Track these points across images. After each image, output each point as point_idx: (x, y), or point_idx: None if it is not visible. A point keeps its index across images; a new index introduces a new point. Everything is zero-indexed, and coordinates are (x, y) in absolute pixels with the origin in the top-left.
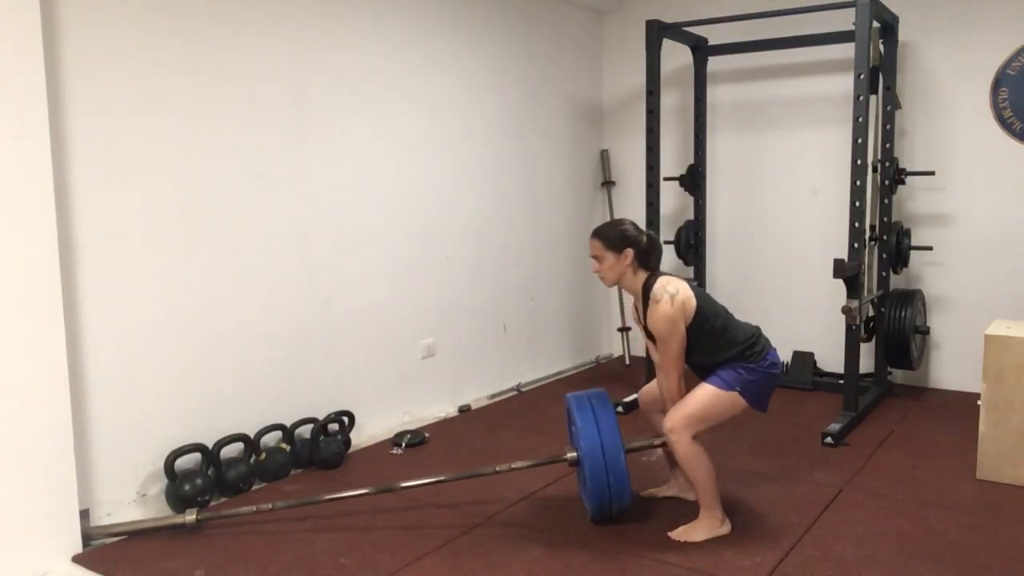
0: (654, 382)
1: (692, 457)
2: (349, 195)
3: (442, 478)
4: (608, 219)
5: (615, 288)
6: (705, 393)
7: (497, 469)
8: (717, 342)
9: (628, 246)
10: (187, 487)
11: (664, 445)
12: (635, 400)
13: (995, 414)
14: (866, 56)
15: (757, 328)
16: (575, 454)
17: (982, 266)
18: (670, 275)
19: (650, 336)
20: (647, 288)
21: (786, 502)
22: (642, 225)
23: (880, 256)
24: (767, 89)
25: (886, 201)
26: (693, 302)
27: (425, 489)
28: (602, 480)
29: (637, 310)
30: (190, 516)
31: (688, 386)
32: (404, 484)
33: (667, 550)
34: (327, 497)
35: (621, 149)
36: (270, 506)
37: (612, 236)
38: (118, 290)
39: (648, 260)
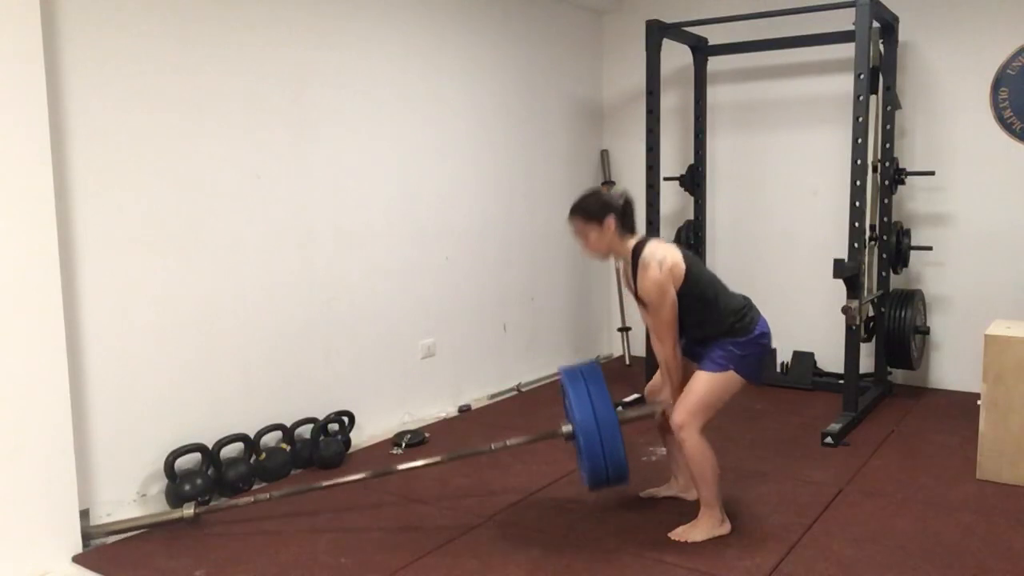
0: (658, 375)
1: (699, 452)
2: (349, 195)
3: (438, 459)
4: None
5: (615, 288)
6: (702, 381)
7: (493, 447)
8: (708, 311)
9: (608, 213)
10: (187, 487)
11: (658, 415)
12: (635, 400)
13: (995, 414)
14: (866, 56)
15: (747, 299)
16: (570, 427)
17: (982, 266)
18: (659, 240)
19: (642, 303)
20: (636, 254)
21: (786, 502)
22: (642, 225)
23: (880, 256)
24: (767, 89)
25: (886, 201)
26: (682, 266)
27: (425, 489)
28: (597, 451)
29: (628, 276)
30: (188, 510)
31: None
32: (402, 467)
33: (667, 550)
34: (325, 484)
35: (621, 149)
36: (268, 496)
37: (589, 208)
38: (118, 290)
39: (629, 223)
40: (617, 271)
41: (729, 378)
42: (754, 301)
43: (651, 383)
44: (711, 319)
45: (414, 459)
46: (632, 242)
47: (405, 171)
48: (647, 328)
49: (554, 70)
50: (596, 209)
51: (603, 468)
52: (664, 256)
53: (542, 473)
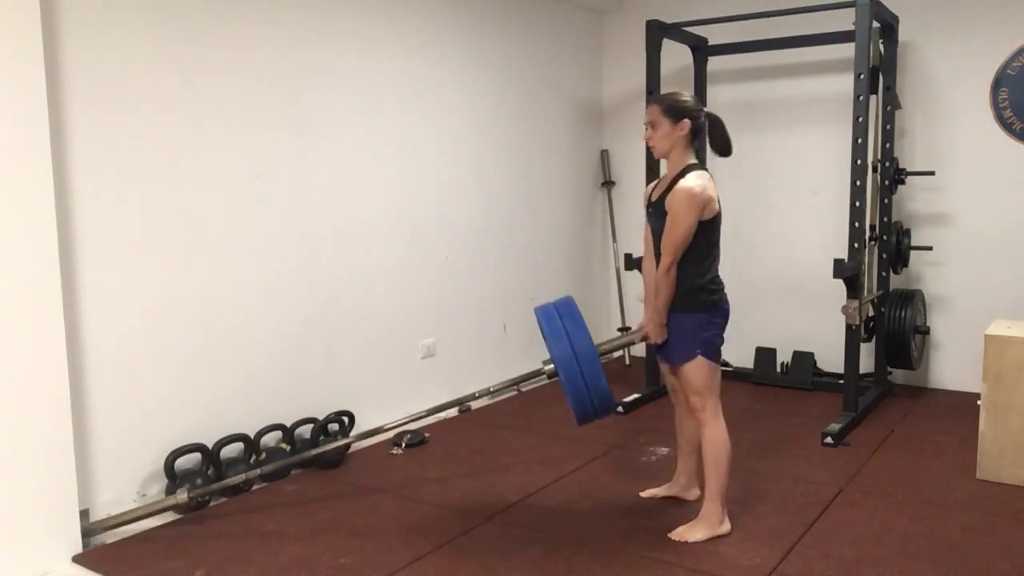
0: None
1: (718, 440)
2: (349, 195)
3: (422, 411)
4: (607, 219)
5: (615, 288)
6: (686, 373)
7: (476, 394)
8: (702, 264)
9: (686, 117)
10: (186, 486)
11: (638, 342)
12: (635, 400)
13: (995, 414)
14: (866, 56)
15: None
16: (552, 365)
17: (982, 266)
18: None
19: (659, 217)
20: (686, 170)
21: (786, 502)
22: (642, 226)
23: (880, 256)
24: (767, 89)
25: (886, 201)
26: (716, 206)
27: (425, 489)
28: (579, 382)
29: (656, 189)
30: (181, 495)
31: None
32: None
33: (667, 550)
34: (314, 452)
35: (621, 149)
36: (259, 472)
37: (671, 103)
38: (118, 290)
39: (703, 138)
40: (618, 271)
41: (700, 363)
42: (754, 301)
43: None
44: (697, 269)
45: (414, 459)
46: (692, 160)
47: (405, 171)
48: (644, 255)
49: (554, 70)
50: (679, 108)
51: (588, 400)
52: (709, 185)
53: (542, 473)
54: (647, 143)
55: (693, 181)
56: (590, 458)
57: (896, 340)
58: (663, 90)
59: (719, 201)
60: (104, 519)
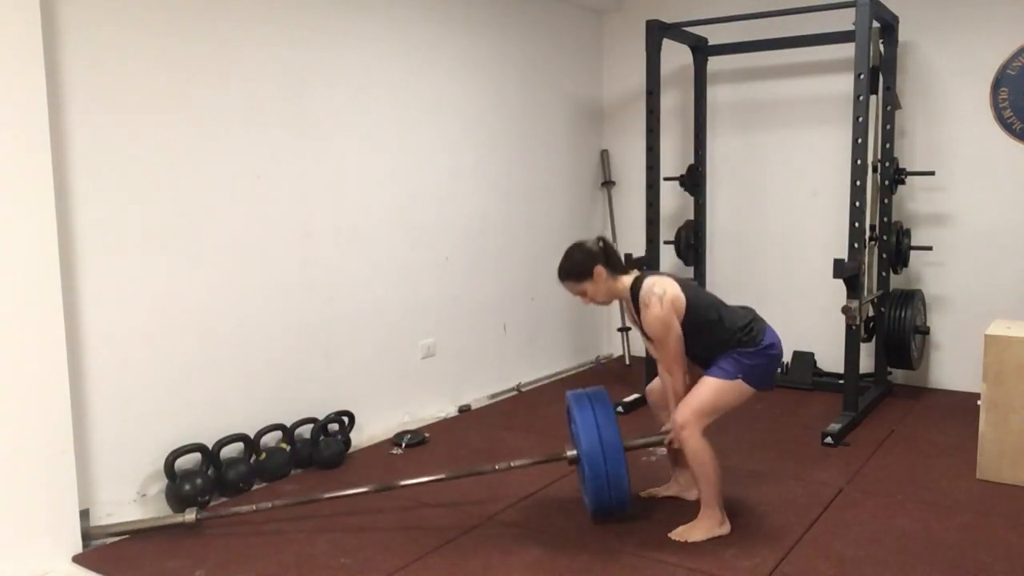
0: (657, 380)
1: (701, 452)
2: (349, 195)
3: (442, 476)
4: (607, 219)
5: None
6: (709, 386)
7: (497, 468)
8: (714, 333)
9: (593, 264)
10: (187, 487)
11: (665, 443)
12: (635, 400)
13: (995, 414)
14: (866, 56)
15: (752, 311)
16: (575, 452)
17: (982, 266)
18: (656, 274)
19: (648, 337)
20: (635, 293)
21: (786, 502)
22: (642, 226)
23: (880, 256)
24: (767, 89)
25: (886, 201)
26: (683, 299)
27: (425, 489)
28: (602, 479)
29: (631, 313)
30: (189, 515)
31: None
32: (405, 482)
33: (667, 550)
34: (327, 496)
35: (621, 149)
36: (270, 504)
37: (575, 266)
38: (118, 290)
39: (616, 263)
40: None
41: (737, 387)
42: (754, 302)
43: (651, 385)
44: (718, 340)
45: (414, 459)
46: (628, 280)
47: (405, 171)
48: (649, 356)
49: (554, 70)
50: (582, 265)
51: (607, 495)
52: (663, 291)
53: (542, 473)
54: (589, 304)
55: (652, 303)
56: None
57: (896, 340)
58: (663, 90)
59: (682, 287)
60: (106, 525)
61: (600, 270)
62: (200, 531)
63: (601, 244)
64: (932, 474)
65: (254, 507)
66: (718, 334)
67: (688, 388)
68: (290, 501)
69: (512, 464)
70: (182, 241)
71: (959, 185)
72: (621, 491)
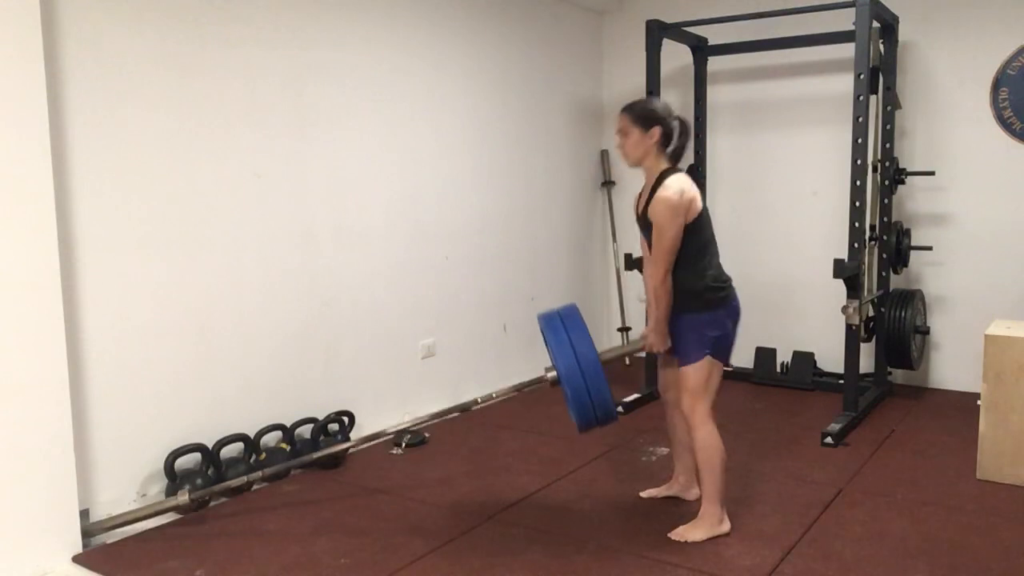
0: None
1: (710, 439)
2: (349, 195)
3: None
4: (607, 219)
5: (615, 288)
6: (689, 373)
7: (479, 400)
8: (697, 260)
9: (656, 124)
10: (187, 487)
11: (641, 350)
12: (636, 400)
13: (995, 414)
14: (866, 56)
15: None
16: (554, 374)
17: (982, 266)
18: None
19: (647, 228)
20: (662, 176)
21: (786, 502)
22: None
23: (880, 256)
24: (767, 89)
25: (886, 201)
26: (699, 204)
27: (425, 489)
28: (584, 396)
29: (640, 199)
30: (183, 497)
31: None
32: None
33: (667, 550)
34: (316, 455)
35: None
36: (260, 474)
37: (641, 111)
38: (118, 290)
39: (674, 145)
40: (618, 270)
41: (710, 364)
42: (754, 301)
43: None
44: (695, 269)
45: (414, 459)
46: (666, 165)
47: (405, 171)
48: (643, 260)
49: (554, 70)
50: (647, 115)
51: (591, 410)
52: (687, 188)
53: (542, 473)
54: (619, 151)
55: (671, 188)
56: (590, 458)
57: (896, 340)
58: (663, 90)
59: (703, 199)
60: (104, 519)
61: (656, 132)
62: (200, 531)
63: (677, 123)
64: (932, 474)
65: (245, 479)
66: (697, 271)
67: (667, 310)
68: (281, 466)
69: (494, 393)
70: (182, 241)
71: (959, 185)
72: (605, 404)
